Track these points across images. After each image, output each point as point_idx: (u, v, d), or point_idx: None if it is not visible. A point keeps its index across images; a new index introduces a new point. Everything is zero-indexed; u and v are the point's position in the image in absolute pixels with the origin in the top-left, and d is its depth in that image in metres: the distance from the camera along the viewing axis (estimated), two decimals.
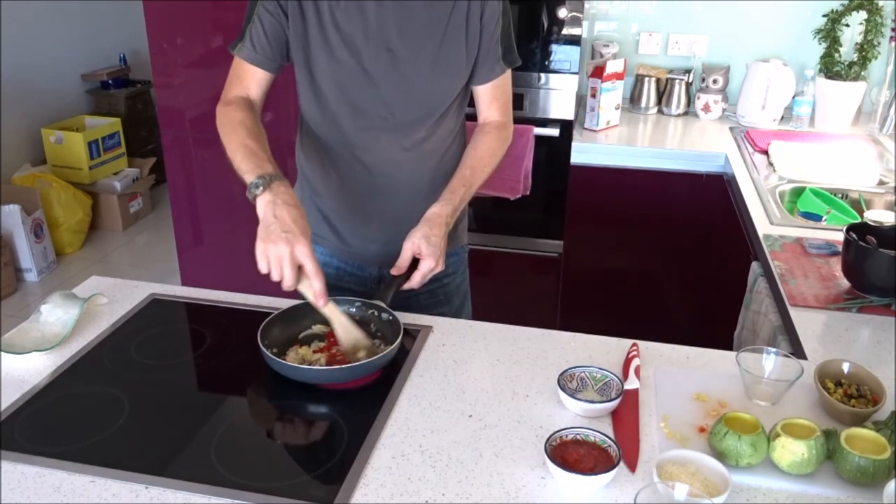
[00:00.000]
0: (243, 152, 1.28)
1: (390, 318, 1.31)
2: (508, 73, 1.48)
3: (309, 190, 1.56)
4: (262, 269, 1.17)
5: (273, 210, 1.19)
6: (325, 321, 1.30)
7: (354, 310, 1.34)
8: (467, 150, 1.48)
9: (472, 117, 1.54)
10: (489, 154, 1.47)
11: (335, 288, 1.59)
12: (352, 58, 1.38)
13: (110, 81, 4.46)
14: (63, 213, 3.82)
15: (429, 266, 1.32)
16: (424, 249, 1.32)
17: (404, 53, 1.37)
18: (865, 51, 2.59)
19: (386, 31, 1.36)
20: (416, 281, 1.33)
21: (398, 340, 1.24)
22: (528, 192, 2.56)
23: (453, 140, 1.52)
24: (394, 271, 1.34)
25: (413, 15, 1.36)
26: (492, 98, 1.49)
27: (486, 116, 1.51)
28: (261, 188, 1.22)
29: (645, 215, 2.61)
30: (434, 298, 1.59)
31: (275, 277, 1.17)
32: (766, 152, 2.42)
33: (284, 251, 1.15)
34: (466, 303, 1.70)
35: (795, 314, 1.45)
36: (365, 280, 1.60)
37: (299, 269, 1.18)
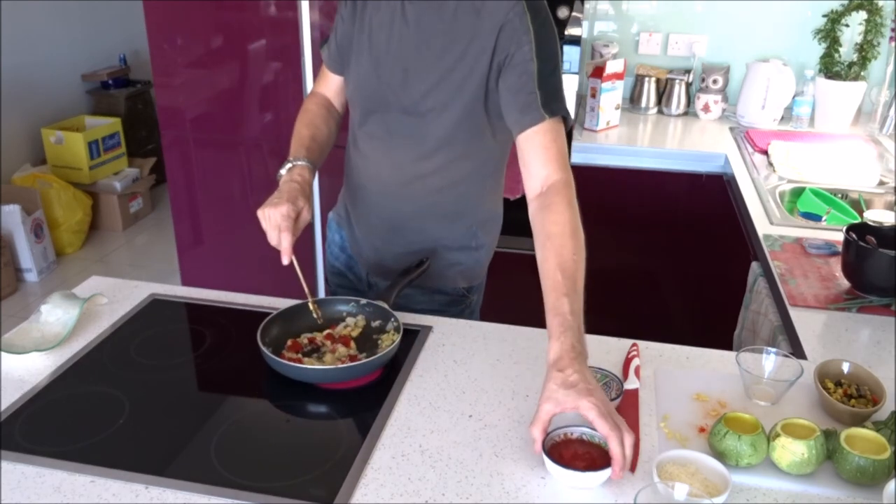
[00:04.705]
0: (294, 138, 1.44)
1: (392, 317, 1.31)
2: (558, 126, 1.28)
3: (345, 174, 1.59)
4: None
5: (281, 185, 1.33)
6: (322, 327, 1.32)
7: (356, 308, 1.35)
8: (541, 248, 1.19)
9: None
10: (570, 235, 1.17)
11: (343, 276, 1.64)
12: (373, 67, 1.37)
13: (110, 81, 4.46)
14: (63, 213, 3.82)
15: (615, 437, 0.96)
16: (590, 414, 0.98)
17: (415, 76, 1.33)
18: (865, 51, 2.59)
19: (405, 50, 1.33)
20: (619, 466, 0.97)
21: (398, 340, 1.24)
22: None
23: (454, 183, 1.44)
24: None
25: (431, 41, 1.31)
26: (543, 148, 1.26)
27: (544, 171, 1.26)
28: (283, 171, 1.36)
29: (645, 215, 2.61)
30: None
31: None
32: (765, 152, 2.42)
33: (269, 212, 1.26)
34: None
35: (795, 314, 1.45)
36: (359, 277, 1.61)
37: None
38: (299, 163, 1.36)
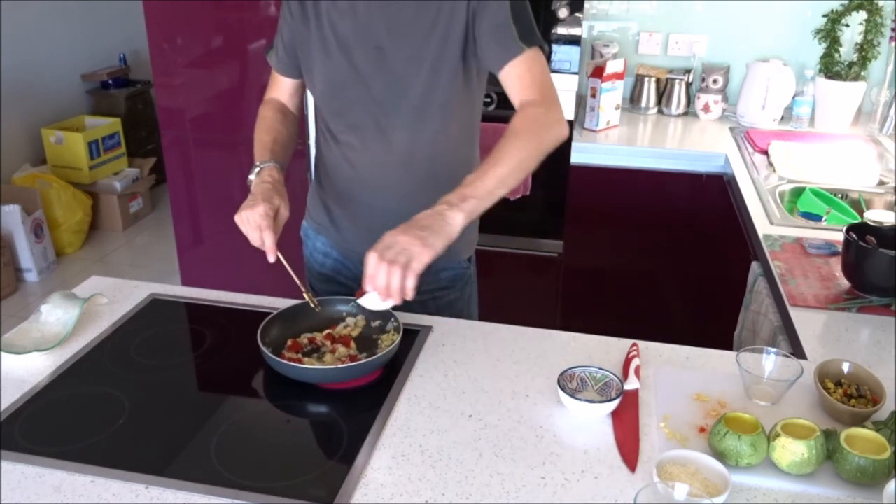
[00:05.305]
0: (256, 145, 1.45)
1: (391, 317, 1.31)
2: (537, 55, 1.34)
3: (317, 179, 1.60)
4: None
5: (253, 188, 1.35)
6: (322, 327, 1.32)
7: (356, 308, 1.35)
8: None
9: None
10: (516, 132, 1.27)
11: (332, 282, 1.61)
12: (343, 57, 1.38)
13: (110, 81, 4.46)
14: (63, 213, 3.82)
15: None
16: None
17: (393, 51, 1.36)
18: (865, 51, 2.59)
19: (375, 29, 1.35)
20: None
21: (398, 340, 1.24)
22: (528, 192, 2.56)
23: (447, 150, 1.46)
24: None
25: (401, 12, 1.34)
26: (518, 77, 1.33)
27: (517, 99, 1.35)
28: (253, 176, 1.38)
29: (645, 215, 2.61)
30: (424, 309, 1.52)
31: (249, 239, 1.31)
32: (766, 152, 2.42)
33: (246, 215, 1.28)
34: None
35: (795, 314, 1.45)
36: (359, 277, 1.59)
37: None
38: (267, 165, 1.38)
